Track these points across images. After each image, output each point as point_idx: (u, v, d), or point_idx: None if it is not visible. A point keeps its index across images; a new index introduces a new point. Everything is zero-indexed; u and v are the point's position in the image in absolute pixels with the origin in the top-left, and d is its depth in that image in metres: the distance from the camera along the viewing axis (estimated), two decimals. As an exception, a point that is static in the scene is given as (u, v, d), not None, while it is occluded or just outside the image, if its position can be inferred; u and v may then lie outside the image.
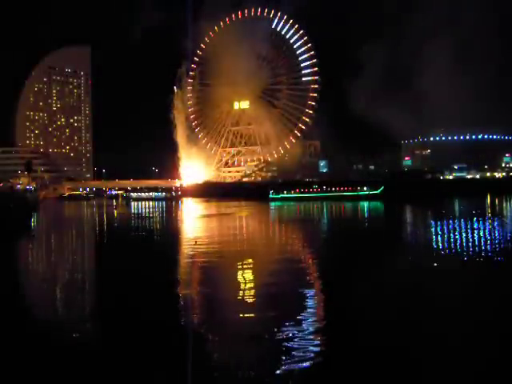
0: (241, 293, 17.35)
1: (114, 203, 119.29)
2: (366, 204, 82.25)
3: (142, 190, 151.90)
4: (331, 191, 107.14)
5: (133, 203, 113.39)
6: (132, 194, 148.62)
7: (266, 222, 53.17)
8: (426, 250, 26.21)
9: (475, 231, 35.26)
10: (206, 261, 24.14)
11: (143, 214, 69.53)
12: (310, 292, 17.49)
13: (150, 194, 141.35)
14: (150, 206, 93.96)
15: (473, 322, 13.40)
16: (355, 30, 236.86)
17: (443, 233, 34.93)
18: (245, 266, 22.87)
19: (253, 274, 21.20)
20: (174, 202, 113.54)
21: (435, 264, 22.04)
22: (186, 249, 29.58)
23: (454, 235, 32.80)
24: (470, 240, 30.07)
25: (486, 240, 29.87)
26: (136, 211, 78.85)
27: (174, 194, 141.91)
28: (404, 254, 25.16)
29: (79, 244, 36.26)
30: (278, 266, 22.59)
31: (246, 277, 20.17)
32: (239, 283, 18.99)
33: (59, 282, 20.52)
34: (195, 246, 28.92)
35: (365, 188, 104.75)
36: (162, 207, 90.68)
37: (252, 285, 19.03)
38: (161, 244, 33.85)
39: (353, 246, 29.68)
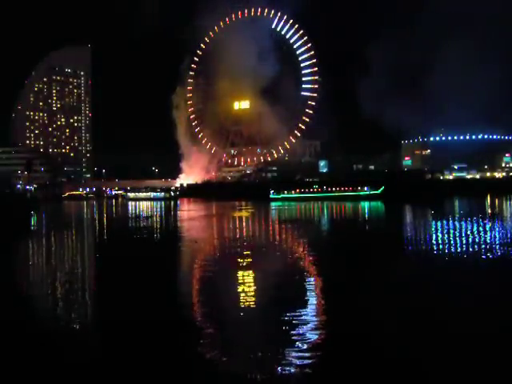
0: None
1: (114, 203, 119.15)
2: (367, 204, 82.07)
3: (140, 190, 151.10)
4: (332, 191, 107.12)
5: (130, 203, 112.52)
6: (129, 194, 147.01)
7: (270, 223, 52.44)
8: (436, 255, 25.85)
9: (480, 232, 35.25)
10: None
11: (140, 216, 67.79)
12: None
13: (149, 194, 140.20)
14: (148, 207, 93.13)
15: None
16: (356, 30, 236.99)
17: (450, 234, 34.66)
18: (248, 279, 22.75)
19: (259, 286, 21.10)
20: (172, 202, 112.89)
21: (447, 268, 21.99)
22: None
23: (462, 237, 32.76)
24: (481, 241, 30.04)
25: (492, 240, 29.87)
26: (132, 213, 77.26)
27: (172, 194, 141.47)
28: (414, 259, 24.81)
29: (78, 245, 36.17)
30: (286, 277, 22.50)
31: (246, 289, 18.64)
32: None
33: (56, 284, 20.48)
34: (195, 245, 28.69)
35: (365, 188, 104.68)
36: (160, 208, 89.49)
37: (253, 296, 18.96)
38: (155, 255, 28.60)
39: (364, 252, 27.52)
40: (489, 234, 33.64)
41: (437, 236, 33.15)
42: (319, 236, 37.54)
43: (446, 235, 33.08)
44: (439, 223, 43.27)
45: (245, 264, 23.19)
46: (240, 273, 20.94)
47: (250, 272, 21.40)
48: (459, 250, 26.22)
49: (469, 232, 34.66)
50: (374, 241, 32.19)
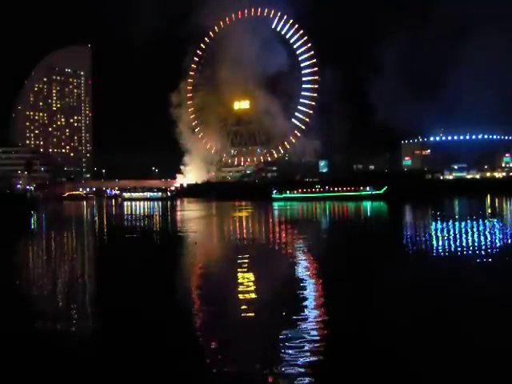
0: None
1: (113, 203, 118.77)
2: (370, 204, 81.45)
3: (136, 190, 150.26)
4: (334, 191, 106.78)
5: (125, 203, 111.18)
6: (124, 194, 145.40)
7: (278, 224, 50.35)
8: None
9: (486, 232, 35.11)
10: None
11: (133, 217, 65.24)
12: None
13: (145, 194, 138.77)
14: (144, 207, 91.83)
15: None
16: (356, 29, 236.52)
17: (468, 235, 33.68)
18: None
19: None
20: (169, 203, 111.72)
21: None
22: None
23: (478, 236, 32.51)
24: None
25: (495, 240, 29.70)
26: (126, 214, 73.98)
27: (169, 194, 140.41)
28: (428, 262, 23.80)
29: (76, 245, 35.87)
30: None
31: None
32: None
33: (55, 283, 20.27)
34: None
35: (367, 188, 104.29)
36: (157, 208, 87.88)
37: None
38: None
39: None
40: (493, 234, 33.55)
41: (454, 237, 32.84)
42: (334, 240, 35.06)
43: (464, 236, 32.49)
44: (456, 225, 42.04)
45: (246, 267, 22.43)
46: (241, 276, 20.22)
47: (251, 277, 20.30)
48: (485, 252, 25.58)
49: (487, 233, 34.28)
50: (393, 245, 30.27)
